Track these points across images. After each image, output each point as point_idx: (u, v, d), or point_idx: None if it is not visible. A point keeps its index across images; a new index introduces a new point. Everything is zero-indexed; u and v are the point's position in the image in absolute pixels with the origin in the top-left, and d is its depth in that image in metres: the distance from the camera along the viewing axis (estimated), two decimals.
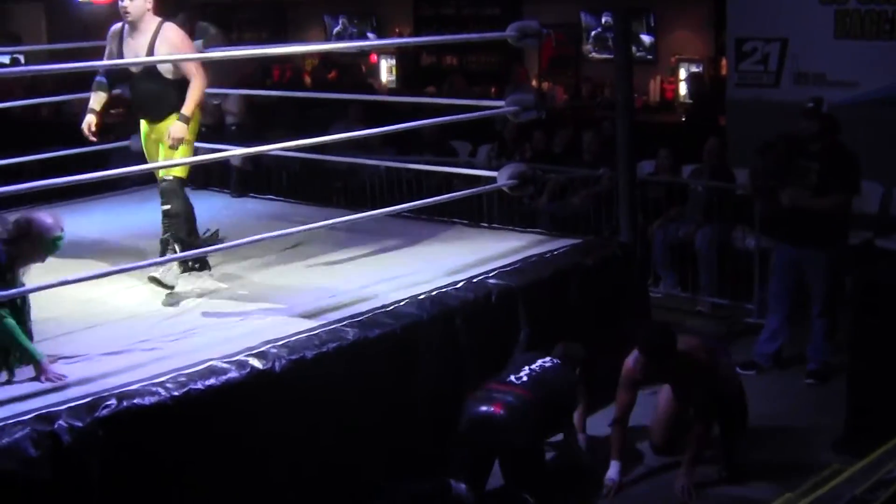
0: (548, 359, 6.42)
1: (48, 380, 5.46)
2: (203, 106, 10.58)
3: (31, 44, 17.43)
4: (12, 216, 5.79)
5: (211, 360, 5.62)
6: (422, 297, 6.67)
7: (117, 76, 7.28)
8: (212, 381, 5.41)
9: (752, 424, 6.85)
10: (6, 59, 16.52)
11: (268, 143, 7.56)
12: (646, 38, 16.45)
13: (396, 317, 6.36)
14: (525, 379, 6.15)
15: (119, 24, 7.02)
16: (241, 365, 5.57)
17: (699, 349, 6.54)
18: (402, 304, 6.54)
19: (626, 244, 8.07)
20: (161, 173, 7.05)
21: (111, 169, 7.11)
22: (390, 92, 17.85)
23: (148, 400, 5.18)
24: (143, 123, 7.35)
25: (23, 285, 5.62)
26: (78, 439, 4.90)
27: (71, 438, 4.89)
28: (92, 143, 7.46)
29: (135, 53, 6.92)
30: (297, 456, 5.71)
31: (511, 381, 6.11)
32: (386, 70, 19.40)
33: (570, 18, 17.03)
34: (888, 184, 9.70)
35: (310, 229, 7.09)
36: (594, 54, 17.15)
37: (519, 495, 5.94)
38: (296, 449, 5.70)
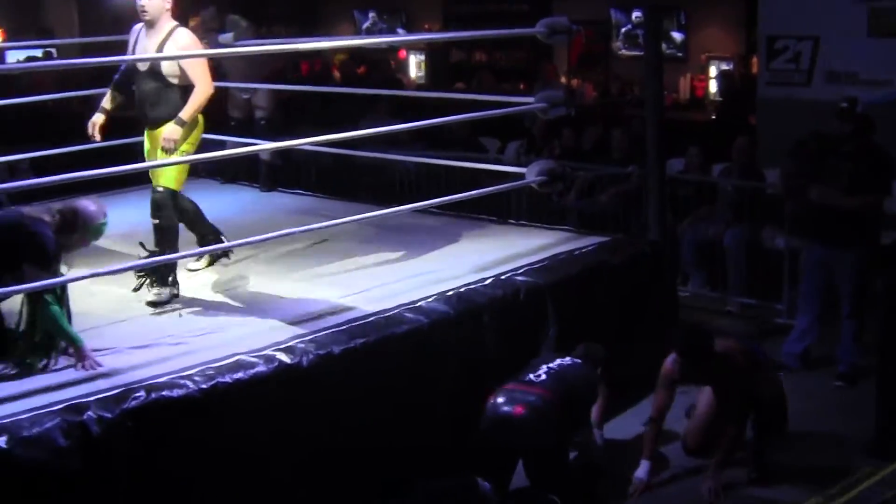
0: (567, 358, 6.39)
1: (88, 366, 5.54)
2: (232, 100, 10.71)
3: (63, 38, 17.50)
4: (56, 205, 5.92)
5: (238, 353, 5.64)
6: (450, 293, 6.66)
7: (132, 76, 7.13)
8: (239, 374, 5.42)
9: None
10: (39, 53, 16.60)
11: (296, 138, 7.56)
12: (676, 36, 16.40)
13: (424, 313, 6.36)
14: (544, 377, 6.11)
15: (138, 25, 6.97)
16: (268, 359, 5.58)
17: (738, 351, 6.52)
18: (429, 300, 6.53)
19: (655, 242, 8.05)
20: (155, 182, 6.90)
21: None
22: (419, 88, 17.85)
23: (176, 392, 5.20)
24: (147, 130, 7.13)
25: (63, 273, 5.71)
26: (107, 430, 4.93)
27: (100, 429, 4.91)
28: (102, 140, 7.31)
29: (144, 53, 6.86)
30: (322, 451, 5.71)
31: (530, 381, 6.08)
32: (415, 66, 19.41)
33: (600, 15, 17.00)
34: None
35: (338, 224, 7.10)
36: (624, 51, 17.12)
37: (544, 495, 5.92)
38: (321, 443, 5.71)
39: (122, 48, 7.30)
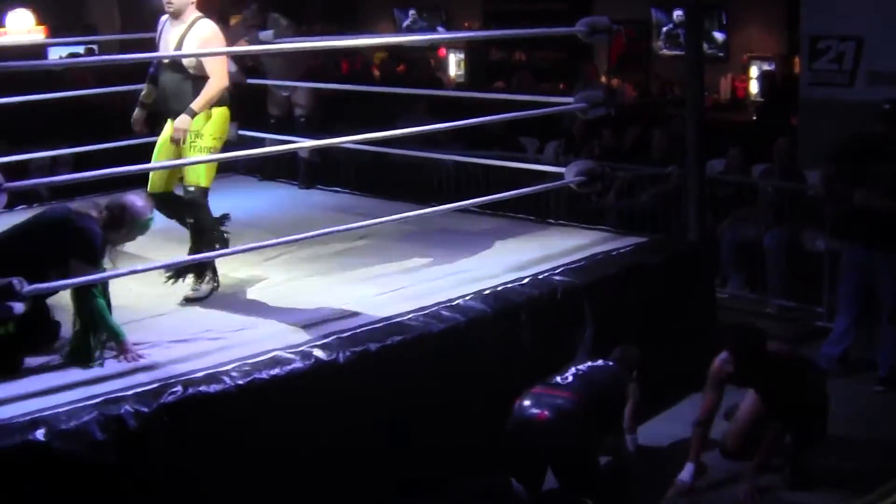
0: (600, 361, 6.33)
1: (130, 359, 5.60)
2: (272, 98, 10.74)
3: (106, 34, 17.60)
4: (104, 201, 5.98)
5: (275, 350, 5.66)
6: (487, 292, 6.65)
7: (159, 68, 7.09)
8: (276, 370, 5.44)
9: None
10: (81, 50, 16.70)
11: (335, 137, 7.56)
12: (718, 36, 16.34)
13: (461, 311, 6.35)
14: (571, 380, 6.04)
15: (164, 16, 6.91)
16: (305, 356, 5.60)
17: (787, 353, 6.47)
18: (466, 298, 6.53)
19: (694, 243, 8.01)
20: (185, 182, 6.80)
21: None
22: (459, 86, 17.85)
23: (213, 388, 5.23)
24: (167, 122, 6.98)
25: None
26: (143, 424, 4.96)
27: (137, 423, 4.94)
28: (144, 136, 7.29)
29: (166, 45, 6.79)
30: (357, 448, 5.72)
31: (557, 384, 6.01)
32: (454, 64, 19.41)
33: (641, 15, 16.96)
34: None
35: (376, 223, 7.10)
36: (665, 51, 17.07)
37: (577, 499, 5.89)
38: (356, 441, 5.71)
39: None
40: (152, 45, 7.02)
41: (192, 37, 6.66)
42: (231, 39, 9.67)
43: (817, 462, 6.50)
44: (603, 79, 16.62)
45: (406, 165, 10.93)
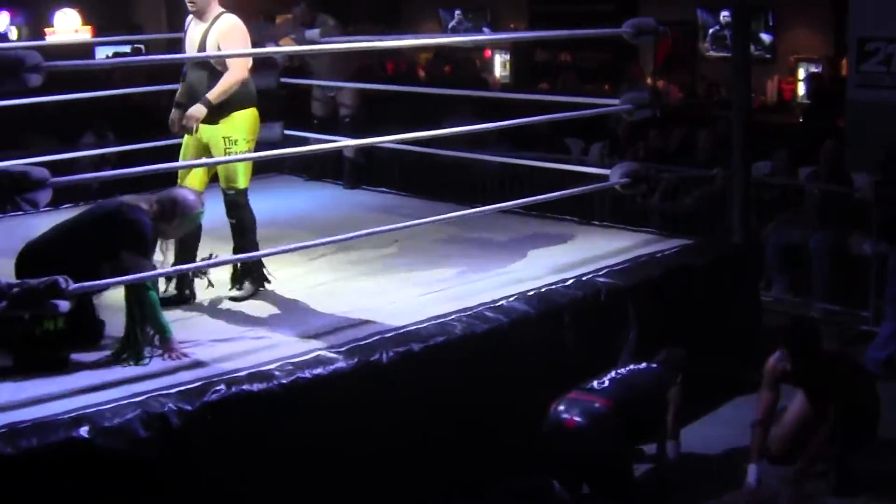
0: (643, 364, 6.28)
1: (175, 357, 5.64)
2: (316, 98, 10.76)
3: (152, 33, 17.72)
4: (155, 195, 6.04)
5: (319, 349, 5.68)
6: (530, 293, 6.64)
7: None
8: (319, 370, 5.45)
9: None
10: (127, 49, 16.81)
11: (380, 136, 7.57)
12: (765, 37, 16.24)
13: (504, 312, 6.35)
14: (607, 384, 5.98)
15: (189, 16, 6.90)
16: (348, 355, 5.61)
17: (839, 354, 6.41)
18: (510, 299, 6.52)
19: (739, 246, 7.98)
20: (224, 185, 6.79)
21: None
22: (504, 87, 17.83)
23: (256, 386, 5.24)
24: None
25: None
26: (187, 422, 4.98)
27: (180, 421, 4.96)
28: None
29: (191, 43, 6.77)
30: (399, 448, 5.72)
31: (592, 388, 5.95)
32: (500, 65, 19.39)
33: (687, 16, 16.89)
34: None
35: (420, 224, 7.10)
36: (711, 52, 16.99)
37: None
38: (398, 440, 5.71)
39: None
40: None
41: (214, 32, 6.66)
42: (277, 36, 9.71)
43: (861, 467, 6.44)
44: (648, 80, 16.56)
45: (450, 166, 10.93)
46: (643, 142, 11.53)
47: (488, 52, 19.42)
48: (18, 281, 5.03)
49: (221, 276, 6.84)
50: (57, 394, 5.14)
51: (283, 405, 5.28)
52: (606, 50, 17.54)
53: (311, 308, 6.57)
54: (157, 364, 5.59)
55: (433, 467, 5.84)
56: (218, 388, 5.16)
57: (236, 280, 6.83)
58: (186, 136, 6.85)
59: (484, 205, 7.69)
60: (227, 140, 6.67)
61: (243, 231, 6.87)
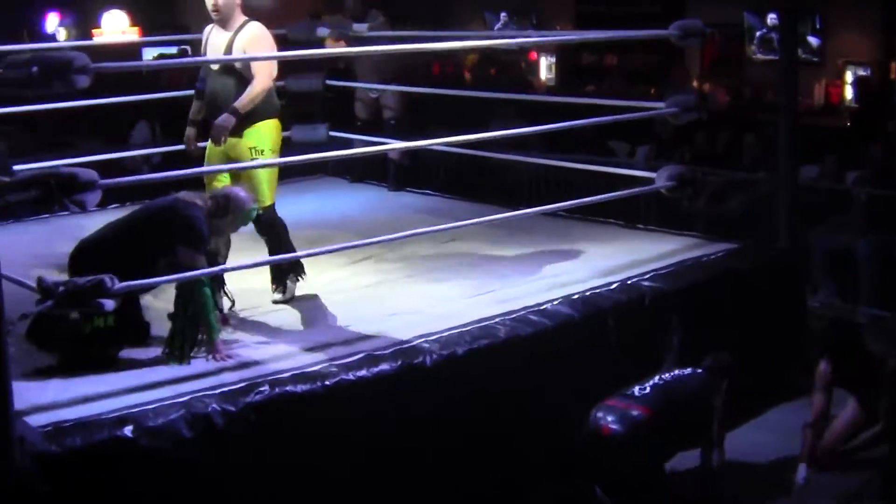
0: (688, 369, 6.19)
1: (219, 358, 5.66)
2: (360, 100, 10.76)
3: (199, 34, 17.77)
4: (208, 192, 6.13)
5: (363, 351, 5.68)
6: (575, 297, 6.63)
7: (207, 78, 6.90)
8: (363, 371, 5.46)
9: None
10: (174, 50, 16.89)
11: (425, 139, 7.58)
12: (812, 40, 16.12)
13: (549, 316, 6.33)
14: (648, 391, 5.91)
15: (210, 25, 6.89)
16: (392, 358, 5.61)
17: (889, 356, 6.35)
18: (554, 303, 6.51)
19: (785, 250, 7.92)
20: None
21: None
22: (549, 90, 17.79)
23: (300, 388, 5.26)
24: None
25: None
26: (230, 423, 5.00)
27: (223, 422, 4.98)
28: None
29: (215, 51, 6.73)
30: (441, 450, 5.72)
31: (632, 395, 5.87)
32: (546, 68, 19.35)
33: (734, 19, 16.79)
34: None
35: (464, 226, 7.10)
36: (758, 55, 16.88)
37: None
38: (441, 444, 5.71)
39: None
40: None
41: (241, 39, 6.63)
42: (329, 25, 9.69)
43: None
44: (695, 83, 16.48)
45: (496, 168, 10.92)
46: (689, 145, 11.48)
47: (534, 55, 19.38)
48: (64, 280, 5.06)
49: (255, 282, 6.85)
50: (102, 393, 5.17)
51: (327, 407, 5.29)
52: (653, 52, 17.45)
53: (356, 310, 6.58)
54: (201, 364, 5.61)
55: (474, 471, 5.84)
56: (262, 389, 5.18)
57: (277, 282, 6.83)
58: (209, 149, 6.81)
59: (529, 207, 7.67)
60: (253, 151, 6.63)
61: (279, 242, 6.81)
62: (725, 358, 6.42)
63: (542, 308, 6.43)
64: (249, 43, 6.61)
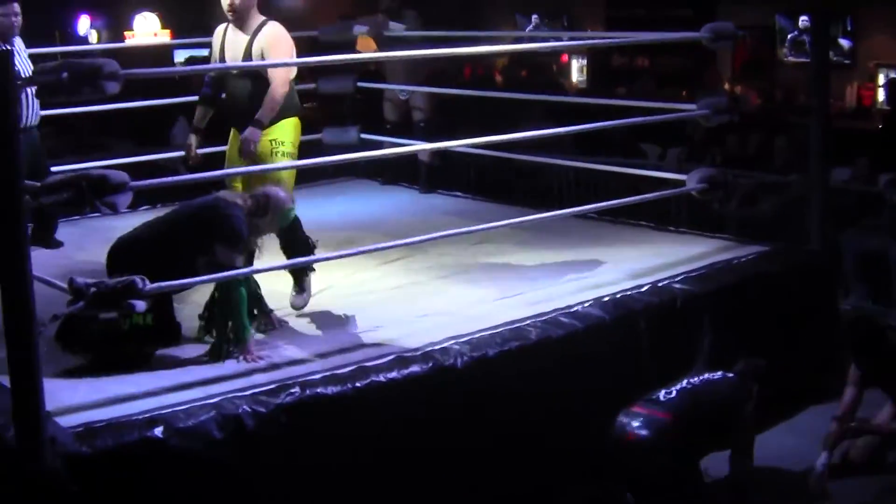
0: (719, 373, 6.10)
1: (250, 360, 5.68)
2: (390, 101, 10.77)
3: None
4: (247, 192, 6.13)
5: (393, 353, 5.69)
6: (605, 299, 6.61)
7: (220, 83, 6.81)
8: (394, 374, 5.46)
9: None
10: (205, 53, 16.95)
11: (455, 141, 7.58)
12: (844, 43, 16.05)
13: (579, 318, 6.32)
14: (674, 395, 5.82)
15: (222, 25, 6.77)
16: (423, 360, 5.61)
17: None
18: (585, 305, 6.50)
19: (816, 253, 7.88)
20: None
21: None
22: (580, 92, 17.77)
23: (331, 389, 5.26)
24: (232, 134, 6.80)
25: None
26: (260, 424, 5.01)
27: (254, 423, 4.99)
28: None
29: (233, 52, 6.62)
30: (471, 452, 5.72)
31: (657, 400, 5.79)
32: (577, 70, 19.34)
33: (765, 21, 16.74)
34: None
35: (494, 227, 7.10)
36: (790, 58, 16.82)
37: None
38: (471, 445, 5.71)
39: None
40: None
41: (259, 40, 6.54)
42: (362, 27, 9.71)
43: None
44: (726, 85, 16.43)
45: (526, 170, 10.92)
46: (720, 147, 11.45)
47: (565, 57, 19.37)
48: (96, 281, 5.08)
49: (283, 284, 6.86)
50: (132, 394, 5.19)
51: (357, 408, 5.30)
52: (684, 55, 17.41)
53: (386, 312, 6.58)
54: (232, 365, 5.63)
55: (504, 472, 5.84)
56: (292, 390, 5.18)
57: (296, 280, 6.75)
58: (230, 151, 6.77)
59: (559, 209, 7.66)
60: (273, 143, 6.59)
61: (294, 241, 6.68)
62: (758, 363, 6.37)
63: (572, 310, 6.41)
64: (269, 45, 6.53)
